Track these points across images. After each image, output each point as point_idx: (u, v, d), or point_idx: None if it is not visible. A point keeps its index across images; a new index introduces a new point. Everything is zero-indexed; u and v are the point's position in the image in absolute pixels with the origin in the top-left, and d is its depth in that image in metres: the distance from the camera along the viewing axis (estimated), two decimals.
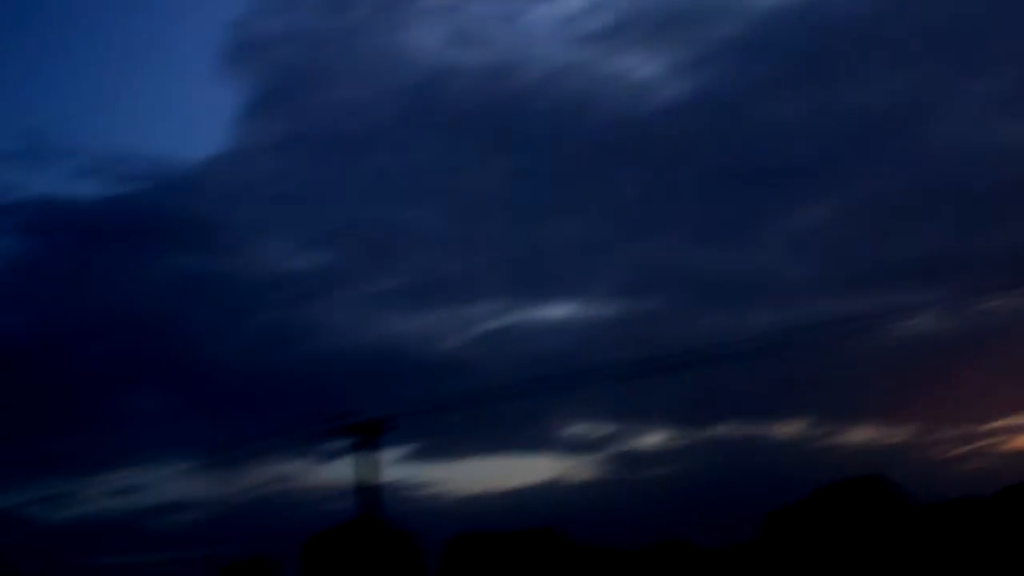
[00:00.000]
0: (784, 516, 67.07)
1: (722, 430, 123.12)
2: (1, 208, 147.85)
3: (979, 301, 58.35)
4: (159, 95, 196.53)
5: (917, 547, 59.24)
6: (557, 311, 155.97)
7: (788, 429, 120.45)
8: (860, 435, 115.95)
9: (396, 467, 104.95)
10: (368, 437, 41.02)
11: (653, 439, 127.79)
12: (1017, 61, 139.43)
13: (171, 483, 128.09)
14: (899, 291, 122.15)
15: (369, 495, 44.96)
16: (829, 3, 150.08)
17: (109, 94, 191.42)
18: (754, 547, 67.04)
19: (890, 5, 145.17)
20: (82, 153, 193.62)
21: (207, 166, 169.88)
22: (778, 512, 67.53)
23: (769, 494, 71.67)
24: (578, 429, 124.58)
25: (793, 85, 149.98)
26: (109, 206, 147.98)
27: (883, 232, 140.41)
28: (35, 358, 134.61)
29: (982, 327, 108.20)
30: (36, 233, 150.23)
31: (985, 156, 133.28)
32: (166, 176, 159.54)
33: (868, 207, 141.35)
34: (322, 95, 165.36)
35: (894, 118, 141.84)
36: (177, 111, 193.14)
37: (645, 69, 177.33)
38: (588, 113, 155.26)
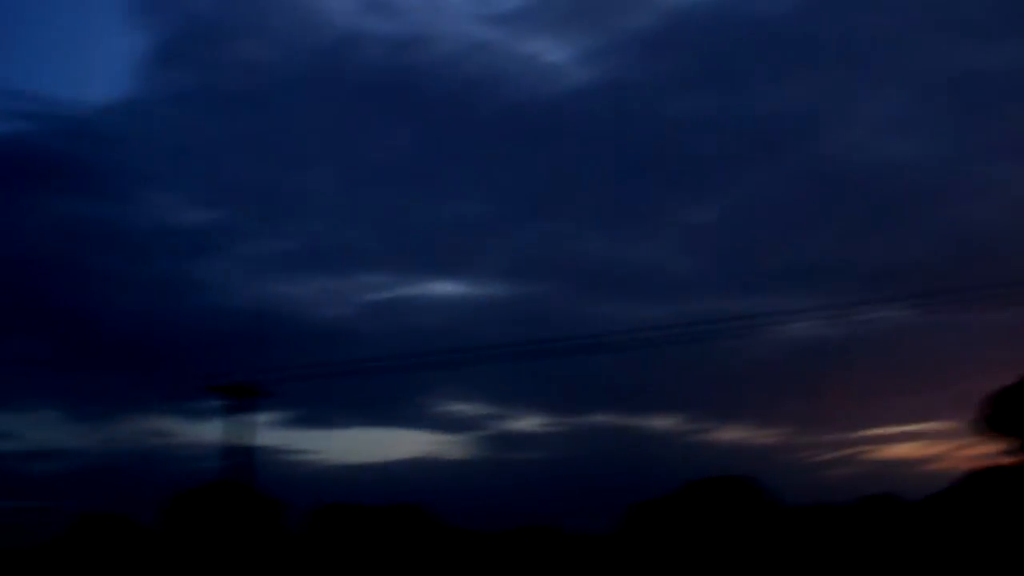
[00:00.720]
0: (647, 508, 68.11)
1: (597, 419, 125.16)
2: None
3: (859, 311, 59.99)
4: (60, 36, 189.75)
5: (778, 548, 60.65)
6: (444, 288, 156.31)
7: (663, 423, 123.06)
8: (733, 434, 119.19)
9: (270, 432, 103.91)
10: (242, 399, 40.24)
11: (528, 423, 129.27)
12: (912, 82, 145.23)
13: (40, 431, 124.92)
14: (783, 295, 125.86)
15: (238, 457, 44.25)
16: (738, 4, 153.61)
17: (2, 28, 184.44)
18: (617, 536, 67.95)
19: (800, 11, 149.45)
20: None
21: (103, 112, 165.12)
22: (642, 504, 68.56)
23: (638, 486, 72.89)
24: (455, 407, 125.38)
25: (698, 82, 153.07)
26: None
27: (773, 235, 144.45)
28: None
29: (860, 337, 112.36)
30: None
31: (876, 170, 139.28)
32: (59, 118, 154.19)
33: (761, 210, 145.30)
34: (229, 50, 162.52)
35: (792, 124, 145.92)
36: (78, 54, 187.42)
37: (555, 54, 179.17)
38: (494, 93, 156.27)
